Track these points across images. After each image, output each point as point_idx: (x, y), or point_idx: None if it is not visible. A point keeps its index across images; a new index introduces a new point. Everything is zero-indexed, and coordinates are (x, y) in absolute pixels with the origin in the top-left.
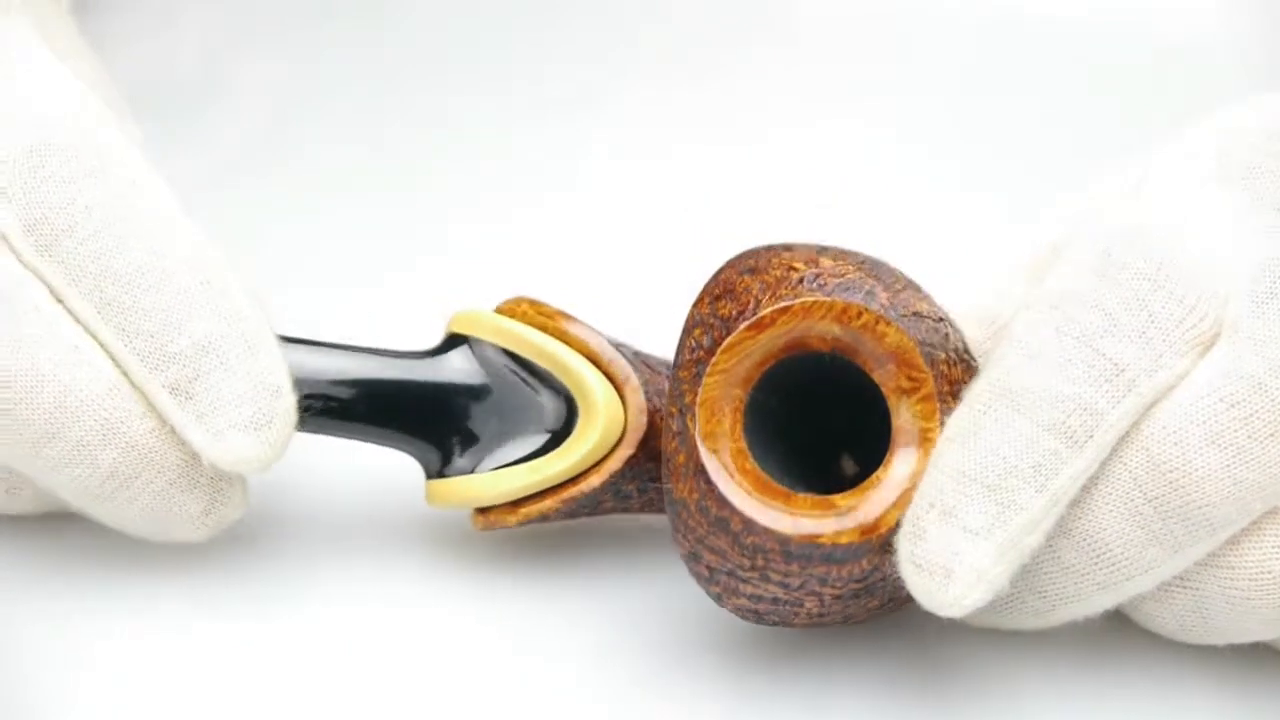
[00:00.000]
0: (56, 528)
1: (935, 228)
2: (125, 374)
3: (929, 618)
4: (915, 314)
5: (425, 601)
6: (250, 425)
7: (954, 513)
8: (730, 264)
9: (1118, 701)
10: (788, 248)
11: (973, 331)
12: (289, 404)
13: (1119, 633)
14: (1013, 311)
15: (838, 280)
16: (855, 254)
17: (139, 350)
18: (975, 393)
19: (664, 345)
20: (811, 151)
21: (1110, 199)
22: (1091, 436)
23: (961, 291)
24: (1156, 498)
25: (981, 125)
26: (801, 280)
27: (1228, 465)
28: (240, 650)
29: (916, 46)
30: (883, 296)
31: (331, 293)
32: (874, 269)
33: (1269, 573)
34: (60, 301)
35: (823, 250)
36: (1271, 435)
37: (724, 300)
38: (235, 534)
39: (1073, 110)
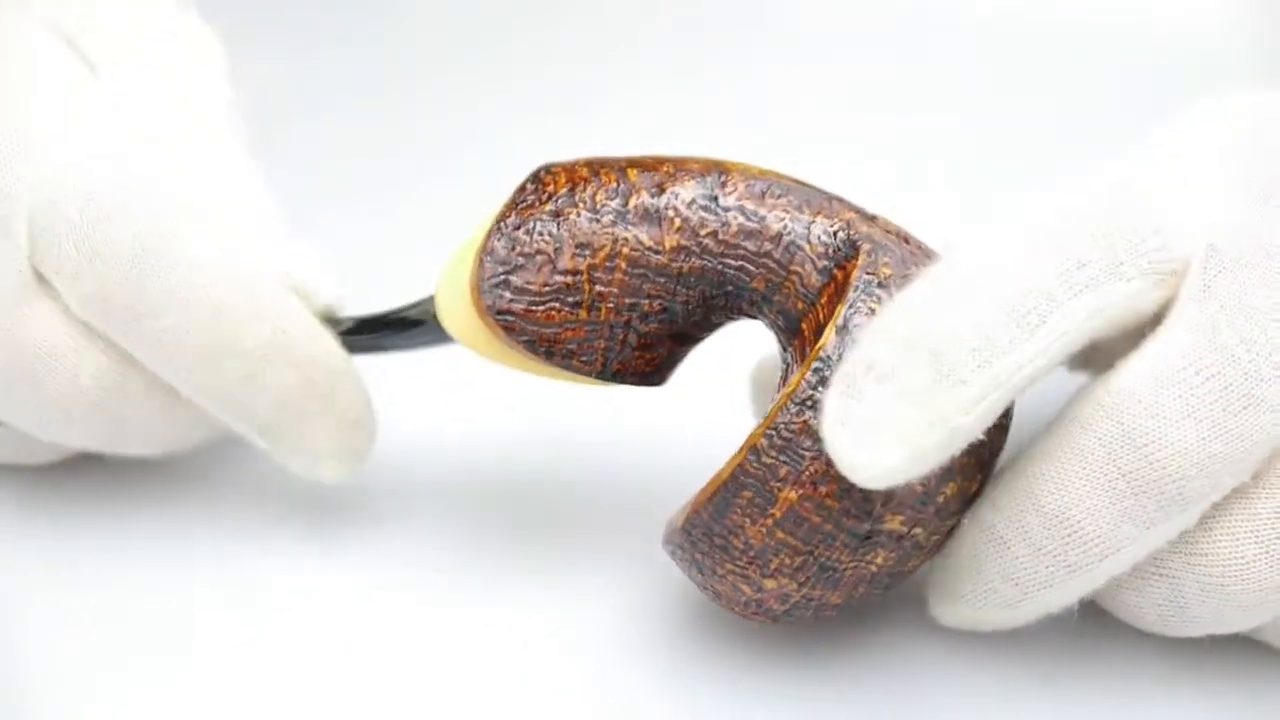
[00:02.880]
0: (56, 480)
1: (933, 227)
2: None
3: (910, 624)
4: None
5: (415, 595)
6: (334, 457)
7: (891, 376)
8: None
9: (1100, 705)
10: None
11: None
12: (370, 429)
13: (1100, 636)
14: None
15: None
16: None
17: (222, 410)
18: (932, 270)
19: None
20: (811, 152)
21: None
22: (1044, 322)
23: None
24: (1130, 471)
25: (980, 126)
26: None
27: (1203, 438)
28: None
29: (914, 46)
30: (834, 597)
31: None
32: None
33: (1241, 557)
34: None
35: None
36: (1244, 408)
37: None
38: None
39: (1072, 111)
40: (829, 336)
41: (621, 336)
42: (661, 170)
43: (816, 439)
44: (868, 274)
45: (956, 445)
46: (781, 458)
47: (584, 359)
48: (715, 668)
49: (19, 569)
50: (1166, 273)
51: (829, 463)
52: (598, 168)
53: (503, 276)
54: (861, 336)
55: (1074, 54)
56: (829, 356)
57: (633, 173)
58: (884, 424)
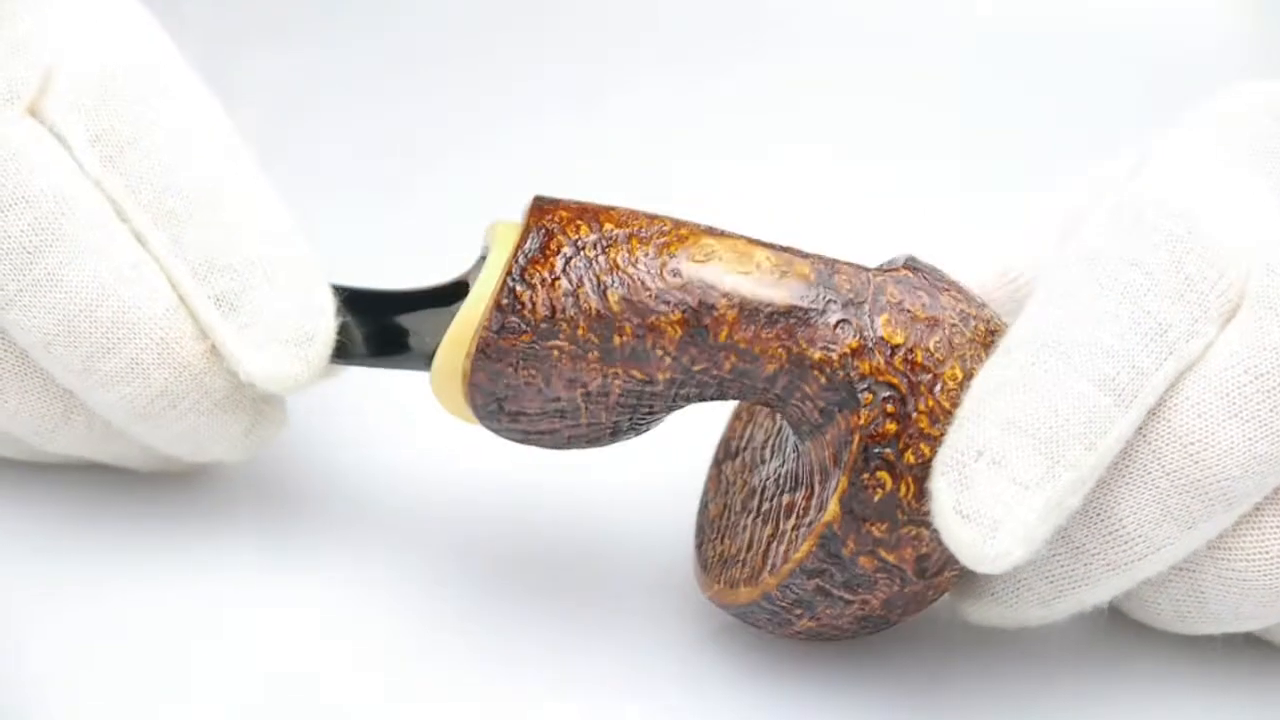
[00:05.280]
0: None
1: (933, 226)
2: (175, 287)
3: (929, 623)
4: None
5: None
6: (290, 341)
7: (1003, 463)
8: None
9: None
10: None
11: (991, 289)
12: (329, 325)
13: (1118, 640)
14: (1031, 270)
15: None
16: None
17: (190, 260)
18: (1018, 342)
19: None
20: (811, 151)
21: (1121, 176)
22: (1137, 396)
23: (979, 252)
24: (1174, 470)
25: (979, 126)
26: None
27: (1249, 438)
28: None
29: (914, 45)
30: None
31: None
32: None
33: (1266, 552)
34: (124, 220)
35: None
36: None
37: None
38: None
39: (1071, 110)
40: (834, 510)
41: (625, 428)
42: (643, 297)
43: (830, 597)
44: (870, 437)
45: (1061, 524)
46: (795, 608)
47: (584, 444)
48: (713, 677)
49: (17, 573)
50: (1232, 308)
51: (846, 605)
52: (576, 287)
53: (495, 404)
54: (963, 414)
55: (1073, 53)
56: (834, 534)
57: (613, 299)
58: (1006, 516)
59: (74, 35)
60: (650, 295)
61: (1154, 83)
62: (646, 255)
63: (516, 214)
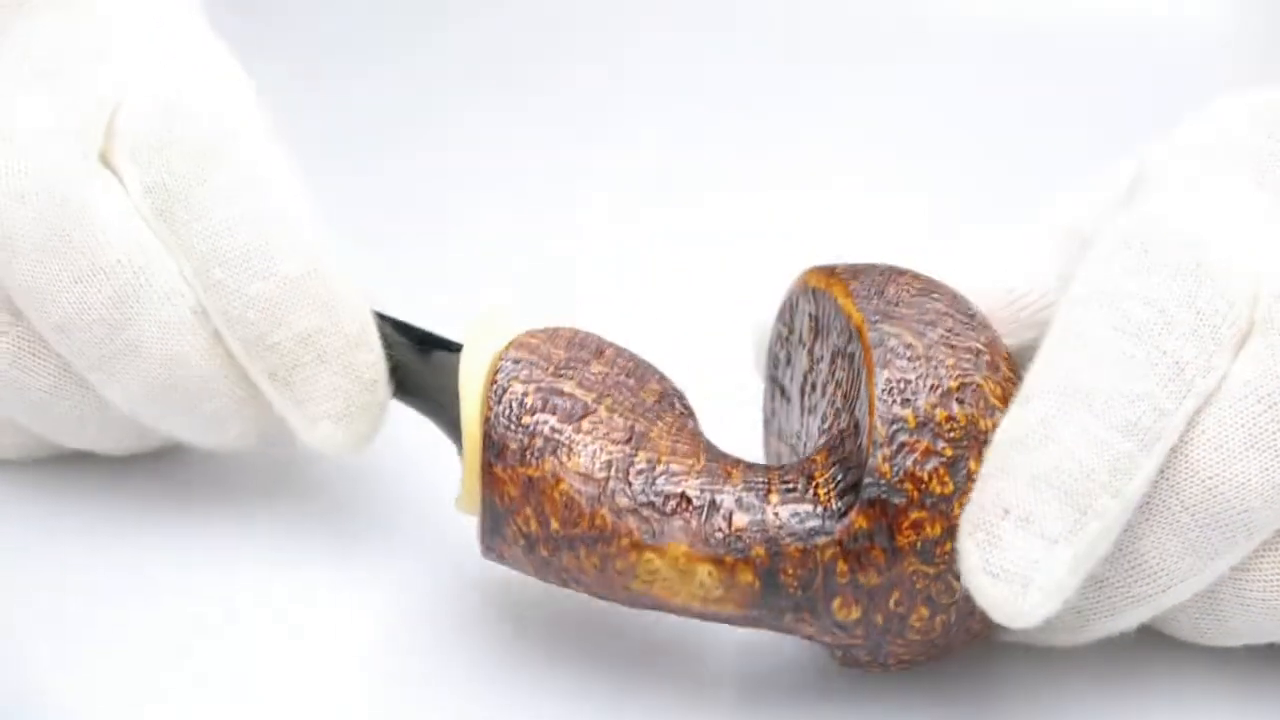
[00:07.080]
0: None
1: (934, 227)
2: (232, 357)
3: None
4: None
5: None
6: (342, 417)
7: (1031, 520)
8: None
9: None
10: None
11: (994, 308)
12: (381, 398)
13: (1141, 647)
14: (1035, 290)
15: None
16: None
17: (241, 337)
18: (1038, 391)
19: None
20: (807, 155)
21: (1118, 193)
22: (1160, 438)
23: (981, 270)
24: (1194, 505)
25: (980, 126)
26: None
27: (1266, 469)
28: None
29: (914, 47)
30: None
31: None
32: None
33: None
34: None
35: None
36: None
37: None
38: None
39: (1071, 113)
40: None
41: None
42: (601, 599)
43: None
44: (847, 663)
45: (1091, 569)
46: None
47: None
48: (737, 690)
49: (18, 572)
50: (1242, 337)
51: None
52: (539, 570)
53: (513, 561)
54: (987, 470)
55: (1075, 55)
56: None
57: (577, 590)
58: (1037, 574)
59: (137, 66)
60: (607, 598)
61: (1155, 84)
62: (595, 568)
63: (515, 216)
